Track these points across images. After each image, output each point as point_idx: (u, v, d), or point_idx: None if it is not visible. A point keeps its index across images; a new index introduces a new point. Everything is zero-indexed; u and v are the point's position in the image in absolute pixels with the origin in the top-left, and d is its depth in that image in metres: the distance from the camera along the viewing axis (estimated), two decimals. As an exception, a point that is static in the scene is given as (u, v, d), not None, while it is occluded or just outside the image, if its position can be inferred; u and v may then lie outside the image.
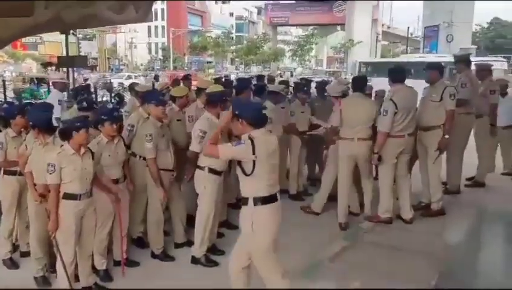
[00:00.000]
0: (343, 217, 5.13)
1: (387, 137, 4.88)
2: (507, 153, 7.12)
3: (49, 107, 4.14)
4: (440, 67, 5.42)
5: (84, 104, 4.49)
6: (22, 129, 4.21)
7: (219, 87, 4.84)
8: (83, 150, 3.56)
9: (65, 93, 7.77)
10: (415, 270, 3.85)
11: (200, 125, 4.20)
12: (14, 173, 4.15)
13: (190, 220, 4.59)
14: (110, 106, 5.09)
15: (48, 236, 3.73)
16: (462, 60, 6.11)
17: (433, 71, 5.28)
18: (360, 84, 5.34)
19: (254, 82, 7.44)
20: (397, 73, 5.08)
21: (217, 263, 4.32)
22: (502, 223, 5.39)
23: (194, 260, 4.33)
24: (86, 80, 23.47)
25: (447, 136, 5.09)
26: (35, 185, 3.76)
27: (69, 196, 3.52)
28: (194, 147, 4.20)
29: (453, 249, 4.46)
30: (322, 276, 3.77)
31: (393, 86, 5.03)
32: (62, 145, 3.54)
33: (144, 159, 4.34)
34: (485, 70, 6.55)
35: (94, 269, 3.97)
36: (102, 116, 3.93)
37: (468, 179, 6.68)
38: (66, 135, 3.52)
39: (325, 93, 6.36)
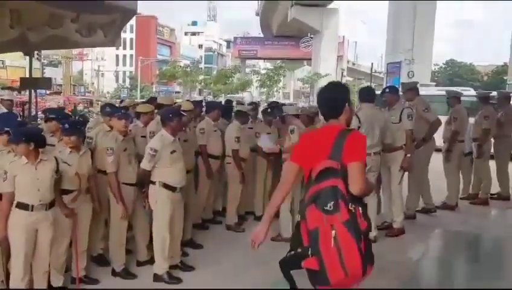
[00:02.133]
0: None
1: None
2: (467, 179, 7.38)
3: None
4: (396, 91, 5.75)
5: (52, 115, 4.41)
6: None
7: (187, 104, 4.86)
8: (37, 159, 3.46)
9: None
10: (379, 285, 3.87)
11: (151, 144, 4.17)
12: None
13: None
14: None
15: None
16: (411, 88, 6.34)
17: (390, 95, 5.57)
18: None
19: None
20: (366, 93, 5.35)
21: (181, 279, 4.23)
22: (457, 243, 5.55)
23: (156, 278, 4.22)
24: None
25: (408, 155, 5.26)
26: None
27: (20, 206, 3.42)
28: (144, 164, 4.14)
29: (413, 265, 4.52)
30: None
31: (361, 104, 5.27)
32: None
33: (105, 173, 4.25)
34: (454, 98, 6.90)
35: (51, 286, 3.80)
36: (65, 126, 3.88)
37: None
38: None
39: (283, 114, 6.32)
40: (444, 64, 66.98)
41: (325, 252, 2.18)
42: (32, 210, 3.43)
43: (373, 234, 5.12)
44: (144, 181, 4.22)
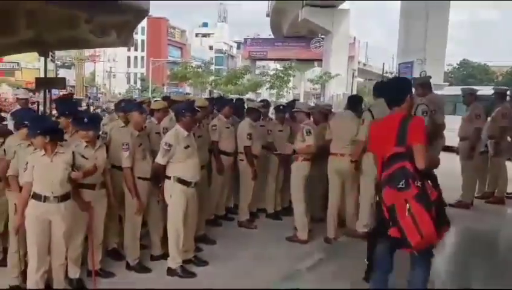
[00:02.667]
0: (331, 232, 5.22)
1: (370, 150, 4.98)
2: (482, 178, 7.32)
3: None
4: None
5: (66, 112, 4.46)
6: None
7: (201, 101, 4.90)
8: (53, 152, 3.55)
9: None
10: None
11: (166, 138, 4.24)
12: None
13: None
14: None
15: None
16: (422, 84, 6.15)
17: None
18: (353, 102, 5.51)
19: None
20: (381, 88, 5.30)
21: (194, 274, 4.28)
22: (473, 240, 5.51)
23: (170, 272, 4.27)
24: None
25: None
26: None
27: (34, 196, 3.53)
28: (158, 159, 4.21)
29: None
30: (299, 285, 3.75)
31: (375, 99, 5.29)
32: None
33: (119, 168, 4.32)
34: (470, 95, 6.84)
35: (68, 278, 3.87)
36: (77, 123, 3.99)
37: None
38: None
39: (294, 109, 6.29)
40: (457, 64, 66.30)
41: (402, 222, 2.70)
42: (44, 201, 3.50)
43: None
44: (158, 176, 4.27)
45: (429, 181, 2.79)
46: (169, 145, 4.13)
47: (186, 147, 4.21)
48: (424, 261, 3.00)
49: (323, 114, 6.00)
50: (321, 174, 5.49)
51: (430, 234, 2.69)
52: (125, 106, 4.76)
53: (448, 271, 4.57)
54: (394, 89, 3.18)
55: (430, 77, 6.51)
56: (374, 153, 3.18)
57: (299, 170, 5.19)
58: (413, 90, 5.98)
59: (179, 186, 4.20)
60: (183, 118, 4.26)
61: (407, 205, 2.68)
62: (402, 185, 2.71)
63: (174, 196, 4.19)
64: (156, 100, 6.57)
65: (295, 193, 5.25)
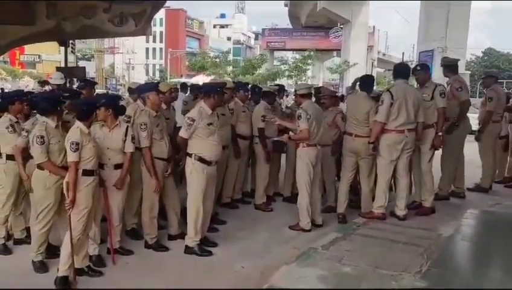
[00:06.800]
0: (342, 207, 5.30)
1: (387, 132, 4.97)
2: (501, 163, 7.21)
3: None
4: (427, 69, 5.66)
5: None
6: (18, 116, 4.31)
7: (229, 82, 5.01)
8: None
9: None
10: (406, 258, 3.87)
11: (190, 113, 4.35)
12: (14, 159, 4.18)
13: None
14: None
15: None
16: (449, 65, 6.12)
17: (421, 72, 5.53)
18: (367, 83, 5.47)
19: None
20: (400, 69, 5.36)
21: (211, 252, 4.34)
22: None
23: (188, 250, 4.34)
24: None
25: (439, 133, 5.20)
26: None
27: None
28: (182, 132, 4.32)
29: (443, 241, 4.48)
30: (315, 262, 3.77)
31: (395, 80, 5.27)
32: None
33: (140, 150, 4.39)
34: (491, 78, 6.75)
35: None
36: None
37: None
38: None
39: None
40: (482, 52, 64.71)
41: None
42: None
43: (402, 212, 5.12)
44: (182, 149, 4.39)
45: None
46: (192, 120, 4.22)
47: (209, 124, 4.28)
48: None
49: (335, 98, 5.97)
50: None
51: None
52: (144, 88, 4.84)
53: (462, 250, 4.56)
54: None
55: (458, 60, 6.43)
56: None
57: (302, 156, 5.00)
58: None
59: (200, 165, 4.26)
60: (210, 98, 4.34)
61: None
62: None
63: (195, 174, 4.26)
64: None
65: (299, 181, 5.08)
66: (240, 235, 4.90)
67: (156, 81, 6.00)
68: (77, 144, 3.55)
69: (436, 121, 5.24)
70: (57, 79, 6.99)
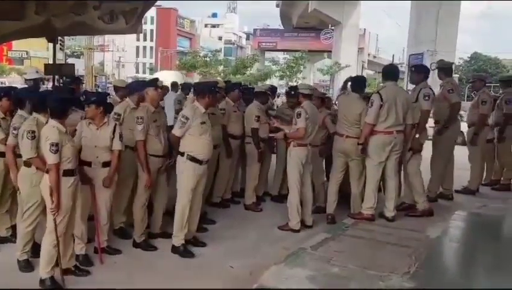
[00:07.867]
0: (331, 208, 5.31)
1: (376, 133, 4.97)
2: (489, 166, 7.27)
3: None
4: (422, 70, 5.64)
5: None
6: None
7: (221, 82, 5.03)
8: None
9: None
10: (394, 259, 3.88)
11: (184, 112, 4.34)
12: (2, 155, 4.12)
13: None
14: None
15: None
16: (443, 68, 6.18)
17: (414, 73, 5.57)
18: (359, 85, 5.49)
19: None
20: (390, 71, 5.39)
21: (193, 254, 4.30)
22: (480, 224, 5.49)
23: (174, 249, 4.32)
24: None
25: (417, 136, 5.21)
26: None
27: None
28: (175, 130, 4.29)
29: (431, 242, 4.52)
30: (304, 262, 3.78)
31: (384, 82, 5.29)
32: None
33: (131, 149, 4.38)
34: (480, 81, 6.80)
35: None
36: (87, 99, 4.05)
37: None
38: None
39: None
40: (468, 57, 65.54)
41: None
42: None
43: (391, 214, 5.13)
44: (174, 147, 4.38)
45: None
46: (186, 118, 4.21)
47: (202, 123, 4.27)
48: None
49: (322, 99, 5.96)
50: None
51: None
52: (135, 86, 4.82)
53: (450, 250, 4.59)
54: None
55: (453, 63, 6.50)
56: None
57: (293, 155, 5.02)
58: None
59: (191, 164, 4.25)
60: (206, 97, 4.33)
61: None
62: None
63: (186, 173, 4.25)
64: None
65: (290, 180, 5.09)
66: (229, 235, 4.88)
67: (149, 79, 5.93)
68: (57, 145, 3.40)
69: (417, 123, 5.23)
70: (31, 74, 6.57)
